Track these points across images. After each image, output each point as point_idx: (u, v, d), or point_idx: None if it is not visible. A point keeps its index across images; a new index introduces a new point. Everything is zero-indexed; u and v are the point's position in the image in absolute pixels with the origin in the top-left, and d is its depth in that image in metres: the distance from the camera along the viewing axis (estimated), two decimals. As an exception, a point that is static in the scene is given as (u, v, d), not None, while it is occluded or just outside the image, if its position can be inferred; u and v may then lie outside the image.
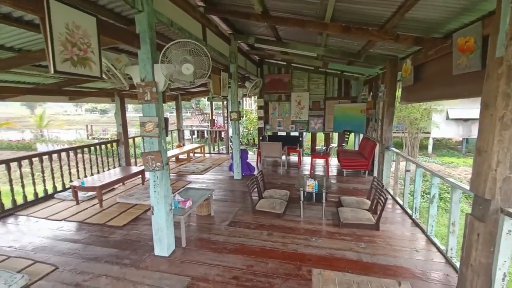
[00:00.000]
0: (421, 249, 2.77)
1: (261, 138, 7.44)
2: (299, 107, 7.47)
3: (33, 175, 4.23)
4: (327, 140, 7.69)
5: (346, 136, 7.08)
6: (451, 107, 14.94)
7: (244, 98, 16.65)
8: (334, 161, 7.12)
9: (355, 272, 2.37)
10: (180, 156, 7.49)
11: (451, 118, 15.06)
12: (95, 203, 4.13)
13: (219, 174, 5.96)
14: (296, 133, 7.55)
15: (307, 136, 11.52)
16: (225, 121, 11.83)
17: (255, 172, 5.85)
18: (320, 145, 7.71)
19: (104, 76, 2.37)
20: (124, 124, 6.11)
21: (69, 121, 30.25)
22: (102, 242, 2.98)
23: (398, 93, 4.29)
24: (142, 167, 5.42)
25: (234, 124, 5.33)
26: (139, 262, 2.58)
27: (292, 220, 3.47)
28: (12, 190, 3.93)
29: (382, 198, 3.16)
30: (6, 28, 2.44)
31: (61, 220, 3.58)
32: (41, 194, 4.38)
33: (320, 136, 8.52)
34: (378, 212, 3.18)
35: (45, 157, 4.45)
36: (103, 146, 5.82)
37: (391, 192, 4.46)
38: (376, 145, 5.22)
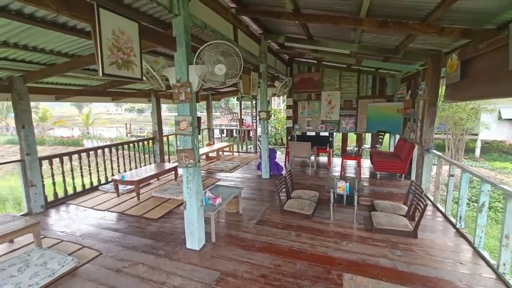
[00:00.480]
0: (466, 261, 2.53)
1: (289, 137, 7.38)
2: (329, 106, 7.26)
3: (81, 168, 4.68)
4: (360, 141, 7.36)
5: (380, 137, 6.71)
6: (505, 106, 13.37)
7: (273, 98, 16.62)
8: (366, 163, 6.80)
9: (390, 280, 2.24)
10: (210, 154, 7.73)
11: (504, 118, 13.48)
12: (133, 196, 4.44)
13: (247, 173, 6.03)
14: (326, 133, 7.34)
15: (337, 137, 11.16)
16: (254, 121, 11.93)
17: (283, 172, 5.81)
18: (351, 146, 7.42)
19: (143, 77, 2.53)
20: (159, 123, 6.48)
21: (111, 120, 32.85)
22: (139, 233, 3.20)
23: (441, 91, 3.95)
24: (175, 164, 5.71)
25: (263, 123, 5.36)
26: (172, 253, 2.72)
27: (321, 222, 3.39)
28: (64, 181, 4.39)
29: (421, 204, 2.94)
30: (63, 36, 2.73)
31: (104, 210, 3.91)
32: (87, 185, 4.84)
33: (352, 137, 8.19)
34: (417, 219, 2.97)
35: (91, 152, 4.92)
36: (140, 143, 6.24)
37: (431, 198, 4.13)
38: (414, 147, 4.87)
